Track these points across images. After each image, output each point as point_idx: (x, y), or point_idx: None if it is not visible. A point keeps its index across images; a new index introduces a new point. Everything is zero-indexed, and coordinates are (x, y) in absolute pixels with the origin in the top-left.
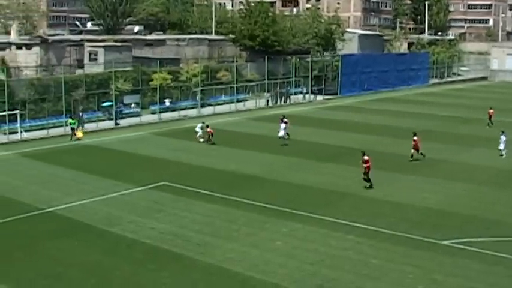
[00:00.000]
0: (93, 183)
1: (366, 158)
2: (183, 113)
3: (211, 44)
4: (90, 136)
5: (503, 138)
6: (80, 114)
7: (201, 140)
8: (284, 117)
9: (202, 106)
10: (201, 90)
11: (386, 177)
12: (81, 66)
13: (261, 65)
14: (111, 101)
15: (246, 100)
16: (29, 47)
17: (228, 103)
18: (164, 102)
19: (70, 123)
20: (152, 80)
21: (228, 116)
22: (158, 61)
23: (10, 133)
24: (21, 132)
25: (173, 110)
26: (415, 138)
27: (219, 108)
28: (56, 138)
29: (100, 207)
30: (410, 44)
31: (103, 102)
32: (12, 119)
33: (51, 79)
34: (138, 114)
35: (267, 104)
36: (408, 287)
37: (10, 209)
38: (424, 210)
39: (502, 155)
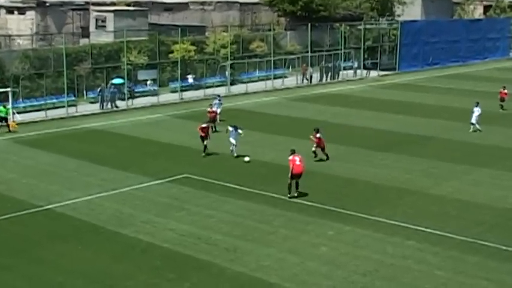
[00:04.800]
0: (101, 175)
1: (291, 157)
2: (209, 91)
3: (243, 9)
4: (97, 119)
5: (477, 110)
6: (100, 89)
7: (218, 119)
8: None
9: (232, 83)
10: (231, 64)
11: (455, 170)
12: (86, 35)
13: (304, 34)
14: (123, 78)
15: (285, 76)
16: (22, 11)
17: (263, 80)
18: (186, 78)
19: (1, 112)
20: (172, 52)
21: (263, 95)
22: (179, 29)
23: None
24: (13, 114)
25: (197, 88)
26: (318, 135)
27: (252, 86)
28: (56, 121)
29: (109, 204)
30: (486, 8)
31: (112, 78)
32: (3, 98)
33: (49, 50)
34: (155, 93)
35: (310, 82)
36: None
37: (0, 206)
38: (501, 211)
39: (475, 131)
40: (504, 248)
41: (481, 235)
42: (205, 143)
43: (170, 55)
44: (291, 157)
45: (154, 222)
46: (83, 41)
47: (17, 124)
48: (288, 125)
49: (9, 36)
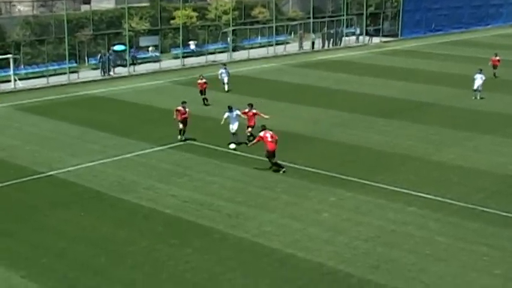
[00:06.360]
0: (103, 142)
1: (262, 134)
2: (210, 57)
3: None
4: (99, 85)
5: (480, 78)
6: (100, 56)
7: (226, 88)
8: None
9: (234, 50)
10: (233, 30)
11: (457, 137)
12: (87, 1)
13: (306, 0)
14: (124, 44)
15: (287, 43)
16: None
17: (265, 46)
18: (188, 45)
19: None
20: (174, 18)
21: (265, 61)
22: None
23: (1, 82)
24: (15, 80)
25: (199, 55)
26: (254, 111)
27: (254, 53)
28: (58, 87)
29: (111, 170)
30: None
31: (114, 45)
32: (4, 64)
33: (50, 17)
34: (156, 60)
35: (313, 48)
36: (482, 271)
37: (3, 173)
38: (502, 177)
39: (476, 98)
40: (504, 214)
41: (481, 201)
42: (181, 126)
43: (172, 21)
44: (261, 133)
45: (156, 189)
46: (84, 8)
47: None
48: (290, 91)
49: (10, 2)
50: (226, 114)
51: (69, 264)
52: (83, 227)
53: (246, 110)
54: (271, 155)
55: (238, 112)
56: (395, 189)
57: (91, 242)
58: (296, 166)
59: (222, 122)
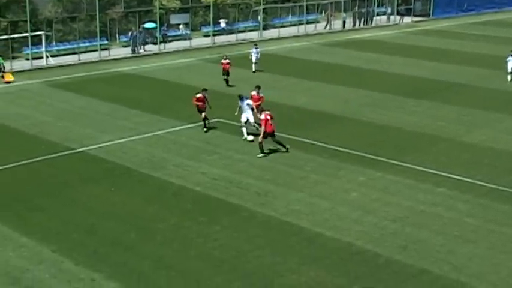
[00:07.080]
0: (133, 119)
1: (263, 116)
2: (241, 36)
3: None
4: (130, 63)
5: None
6: (134, 34)
7: (254, 68)
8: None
9: (265, 28)
10: (263, 9)
11: (489, 118)
12: None
13: None
14: (155, 22)
15: (318, 22)
16: None
17: (295, 25)
18: (219, 23)
19: None
20: None
21: (295, 40)
22: None
23: (34, 58)
24: (47, 57)
25: (229, 33)
26: (262, 95)
27: (284, 31)
28: (89, 64)
29: (141, 147)
30: None
31: (145, 23)
32: (36, 41)
33: None
34: (187, 37)
35: (343, 27)
36: (511, 253)
37: (35, 148)
38: None
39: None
40: None
41: None
42: (203, 115)
43: None
44: (262, 116)
45: (186, 166)
46: None
47: (12, 73)
48: (320, 70)
49: None
50: (239, 103)
51: (99, 240)
52: (113, 203)
53: (254, 93)
54: (273, 135)
55: (249, 101)
56: (425, 169)
57: (121, 218)
58: (325, 145)
59: (236, 113)
